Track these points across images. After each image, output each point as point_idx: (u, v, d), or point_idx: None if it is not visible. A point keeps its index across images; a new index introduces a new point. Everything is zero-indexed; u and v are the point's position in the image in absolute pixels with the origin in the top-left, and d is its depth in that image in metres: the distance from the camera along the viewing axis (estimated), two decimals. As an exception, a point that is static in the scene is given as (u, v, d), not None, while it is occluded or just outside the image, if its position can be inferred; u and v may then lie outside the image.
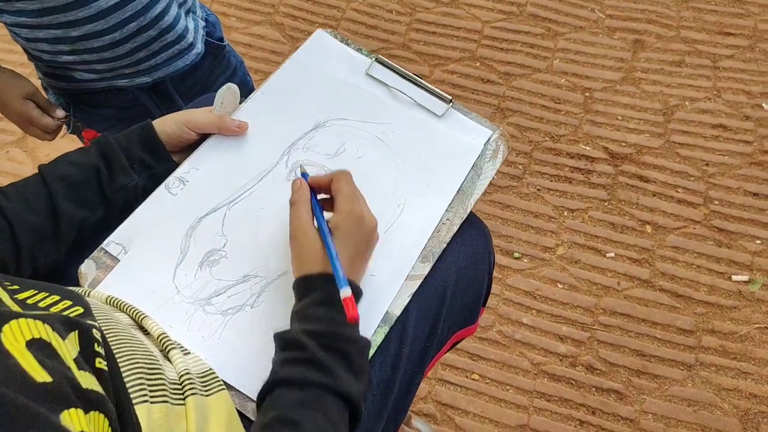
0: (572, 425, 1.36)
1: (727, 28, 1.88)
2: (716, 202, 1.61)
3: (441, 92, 0.84)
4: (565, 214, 1.60)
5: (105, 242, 0.71)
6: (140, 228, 0.73)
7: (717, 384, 1.40)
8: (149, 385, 0.52)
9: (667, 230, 1.57)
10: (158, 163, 0.76)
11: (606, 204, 1.61)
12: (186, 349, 0.63)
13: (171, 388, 0.55)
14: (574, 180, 1.65)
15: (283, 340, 0.60)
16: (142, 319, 0.63)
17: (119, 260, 0.71)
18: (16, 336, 0.39)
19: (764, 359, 1.42)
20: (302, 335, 0.59)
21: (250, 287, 0.70)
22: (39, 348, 0.40)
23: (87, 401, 0.40)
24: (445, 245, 0.74)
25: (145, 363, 0.53)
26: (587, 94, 1.78)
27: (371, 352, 0.67)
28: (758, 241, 1.55)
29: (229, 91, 0.80)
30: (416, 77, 0.85)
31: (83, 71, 0.96)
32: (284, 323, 0.68)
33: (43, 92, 1.04)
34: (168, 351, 0.60)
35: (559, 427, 1.36)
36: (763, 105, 1.74)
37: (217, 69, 1.08)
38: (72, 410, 0.38)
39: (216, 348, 0.67)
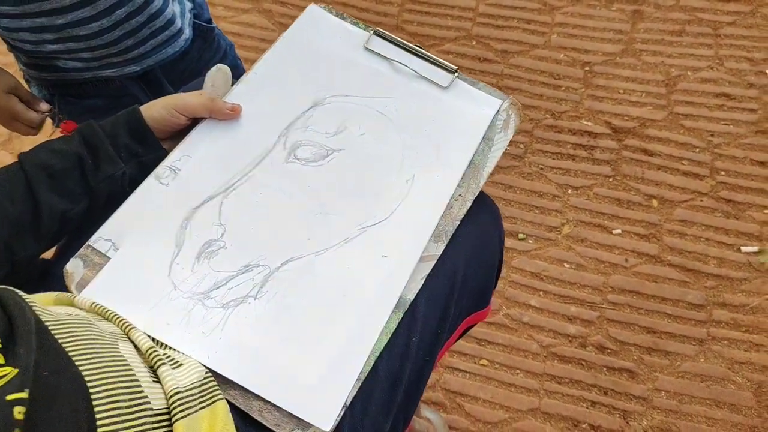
0: (584, 406, 1.33)
1: (727, -6, 1.84)
2: (722, 173, 1.57)
3: (445, 62, 0.79)
4: (570, 192, 1.57)
5: (92, 238, 0.67)
6: (130, 222, 0.68)
7: (729, 358, 1.37)
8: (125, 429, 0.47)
9: (674, 204, 1.54)
10: (146, 150, 0.72)
11: (611, 180, 1.58)
12: (177, 361, 0.58)
13: (152, 425, 0.49)
14: (578, 157, 1.60)
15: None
16: (129, 331, 0.58)
17: (109, 258, 0.66)
18: None
19: (778, 331, 1.39)
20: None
21: (253, 278, 0.66)
22: None
23: None
24: (458, 223, 0.70)
25: (125, 400, 0.48)
26: (587, 68, 1.74)
27: (384, 340, 0.63)
28: (766, 211, 1.52)
29: (219, 72, 0.75)
30: (418, 48, 0.80)
31: (68, 60, 0.92)
32: (291, 314, 0.64)
33: (25, 84, 0.99)
34: (157, 367, 0.54)
35: (570, 409, 1.33)
36: (767, 71, 1.70)
37: (206, 53, 1.03)
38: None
39: (217, 344, 0.63)
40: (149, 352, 0.55)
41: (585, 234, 1.51)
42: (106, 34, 0.87)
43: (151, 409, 0.49)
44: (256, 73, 0.79)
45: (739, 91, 1.68)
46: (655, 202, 1.54)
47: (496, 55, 1.77)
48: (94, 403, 0.45)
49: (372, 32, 0.81)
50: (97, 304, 0.59)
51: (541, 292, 1.45)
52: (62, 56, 0.91)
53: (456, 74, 0.79)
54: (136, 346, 0.56)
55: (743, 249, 1.48)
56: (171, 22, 0.93)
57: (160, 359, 0.54)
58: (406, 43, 0.81)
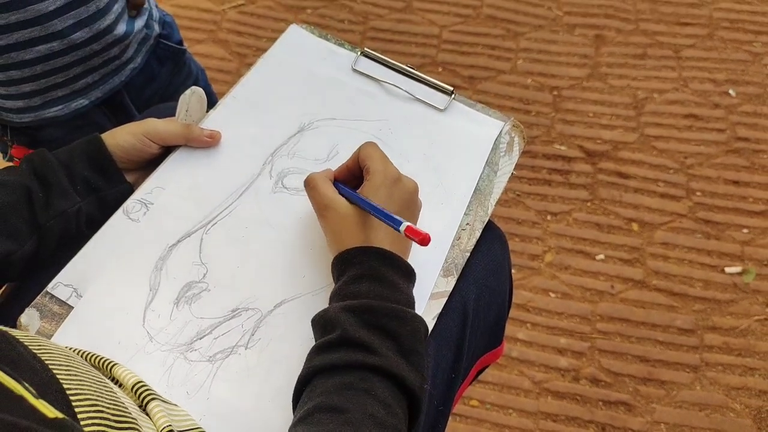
0: (583, 444, 1.26)
1: (684, 18, 1.86)
2: (699, 193, 1.55)
3: (440, 83, 0.73)
4: (549, 218, 1.52)
5: (50, 284, 0.57)
6: (95, 264, 0.58)
7: (725, 384, 1.32)
8: None
9: (654, 226, 1.51)
10: (108, 184, 0.62)
11: (588, 204, 1.54)
12: (170, 402, 0.50)
13: None
14: (554, 182, 1.56)
15: (320, 322, 0.49)
16: (111, 368, 0.49)
17: (71, 306, 0.56)
18: None
19: (769, 352, 1.35)
20: (341, 313, 0.48)
21: (242, 324, 0.57)
22: None
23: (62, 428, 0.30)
24: (468, 254, 0.63)
25: (111, 413, 0.39)
26: (555, 92, 1.71)
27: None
28: (745, 230, 1.50)
29: (194, 95, 0.67)
30: (410, 69, 0.74)
31: (7, 98, 0.81)
32: (288, 364, 0.55)
33: None
34: (147, 403, 0.46)
35: (569, 448, 1.25)
36: (730, 91, 1.71)
37: (177, 77, 0.94)
38: None
39: (205, 405, 0.53)
40: (137, 386, 0.46)
41: (568, 261, 1.46)
42: (55, 59, 0.78)
43: None
44: (235, 97, 0.71)
45: (705, 112, 1.68)
46: (635, 226, 1.51)
47: (463, 82, 1.73)
48: (77, 409, 0.36)
49: (360, 53, 0.75)
50: (68, 346, 0.50)
51: (528, 324, 1.38)
52: (0, 90, 0.80)
53: (453, 95, 0.73)
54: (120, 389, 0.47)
55: (727, 270, 1.45)
56: (124, 50, 0.84)
57: (150, 394, 0.45)
58: (397, 63, 0.75)
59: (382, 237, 0.53)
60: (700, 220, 1.51)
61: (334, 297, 0.52)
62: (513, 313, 1.37)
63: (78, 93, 0.84)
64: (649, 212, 1.52)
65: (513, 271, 1.42)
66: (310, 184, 0.58)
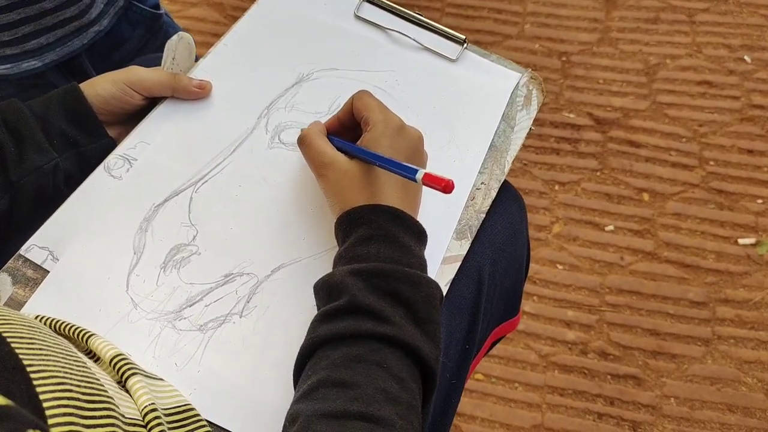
0: (591, 419, 1.22)
1: (699, -19, 1.79)
2: (712, 163, 1.50)
3: (451, 32, 0.67)
4: (557, 188, 1.46)
5: (23, 247, 0.51)
6: (73, 225, 0.53)
7: (738, 357, 1.28)
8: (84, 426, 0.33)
9: (666, 196, 1.45)
10: (88, 138, 0.57)
11: (598, 174, 1.48)
12: (153, 374, 0.45)
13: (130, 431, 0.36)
14: (562, 151, 1.51)
15: (324, 287, 0.45)
16: (87, 339, 0.44)
17: (47, 270, 0.51)
18: None
19: (783, 326, 1.31)
20: (347, 277, 0.43)
21: (236, 290, 0.52)
22: None
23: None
24: (483, 215, 0.58)
25: (81, 392, 0.34)
26: (564, 58, 1.65)
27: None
28: (759, 201, 1.45)
29: (181, 41, 0.61)
30: (418, 16, 0.68)
31: None
32: (288, 334, 0.50)
33: None
34: (127, 378, 0.41)
35: (576, 423, 1.21)
36: (745, 58, 1.65)
37: (151, 43, 0.87)
38: None
39: (196, 378, 0.48)
40: (115, 360, 0.41)
41: (576, 232, 1.41)
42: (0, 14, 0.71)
43: (122, 415, 0.35)
44: (227, 45, 0.65)
45: (719, 79, 1.62)
46: (646, 196, 1.46)
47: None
48: (39, 389, 0.31)
49: (362, -4, 0.69)
50: (43, 316, 0.45)
51: (535, 297, 1.34)
52: None
53: (465, 45, 0.67)
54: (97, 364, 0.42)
55: (740, 241, 1.40)
56: (86, 11, 0.77)
57: (131, 368, 0.41)
58: (404, 10, 0.69)
59: (390, 194, 0.48)
60: (713, 190, 1.46)
61: (340, 260, 0.47)
62: (520, 285, 1.33)
63: (30, 53, 0.76)
64: (660, 182, 1.47)
65: (520, 241, 1.37)
66: (304, 141, 0.52)
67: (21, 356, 0.32)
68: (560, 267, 1.37)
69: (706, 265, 1.38)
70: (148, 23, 0.87)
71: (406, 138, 0.50)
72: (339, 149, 0.51)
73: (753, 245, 1.40)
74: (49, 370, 0.33)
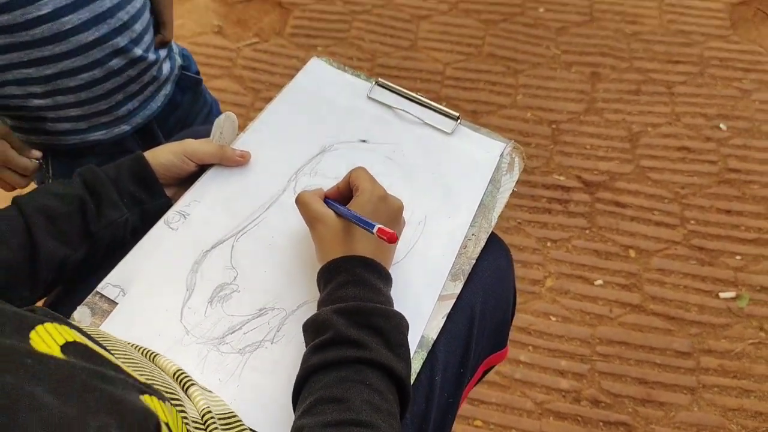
0: (584, 462, 1.29)
1: (676, 56, 1.95)
2: (692, 222, 1.62)
3: (447, 110, 0.80)
4: (549, 245, 1.58)
5: (100, 285, 0.63)
6: (139, 267, 0.65)
7: (722, 405, 1.36)
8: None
9: (650, 253, 1.57)
10: (151, 198, 0.69)
11: (587, 232, 1.60)
12: (206, 388, 0.56)
13: (194, 427, 0.47)
14: (553, 210, 1.63)
15: (312, 326, 0.55)
16: (153, 358, 0.55)
17: (117, 304, 0.62)
18: (46, 339, 0.33)
19: (763, 375, 1.40)
20: (331, 315, 0.54)
21: (268, 321, 0.63)
22: (76, 351, 0.35)
23: (155, 392, 0.36)
24: (474, 261, 0.69)
25: (164, 391, 0.45)
26: (554, 126, 1.80)
27: (411, 379, 0.60)
28: (738, 257, 1.56)
29: (228, 119, 0.75)
30: (420, 97, 0.81)
31: (56, 120, 0.88)
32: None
33: None
34: (187, 388, 0.52)
35: (570, 467, 1.29)
36: (721, 126, 1.79)
37: (195, 106, 1.02)
38: (147, 396, 0.35)
39: (236, 391, 0.59)
40: (177, 374, 0.52)
41: (568, 286, 1.52)
42: (96, 86, 0.85)
43: (188, 414, 0.46)
44: (262, 122, 0.78)
45: (698, 145, 1.76)
46: (632, 252, 1.57)
47: (466, 116, 1.81)
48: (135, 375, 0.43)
49: (374, 83, 0.82)
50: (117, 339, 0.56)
51: (530, 347, 1.43)
52: (49, 113, 0.87)
53: (458, 121, 0.80)
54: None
55: (721, 295, 1.51)
56: (157, 77, 0.92)
57: (190, 380, 0.51)
58: (408, 92, 0.82)
59: (364, 246, 0.59)
60: (694, 247, 1.57)
61: (323, 303, 0.57)
62: (515, 336, 1.43)
63: (121, 119, 0.91)
64: (645, 239, 1.59)
65: (515, 294, 1.47)
66: (300, 201, 0.63)
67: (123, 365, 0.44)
68: (553, 318, 1.47)
69: (690, 318, 1.47)
70: (194, 88, 1.01)
71: (388, 205, 0.62)
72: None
73: (733, 299, 1.50)
74: (144, 375, 0.44)
